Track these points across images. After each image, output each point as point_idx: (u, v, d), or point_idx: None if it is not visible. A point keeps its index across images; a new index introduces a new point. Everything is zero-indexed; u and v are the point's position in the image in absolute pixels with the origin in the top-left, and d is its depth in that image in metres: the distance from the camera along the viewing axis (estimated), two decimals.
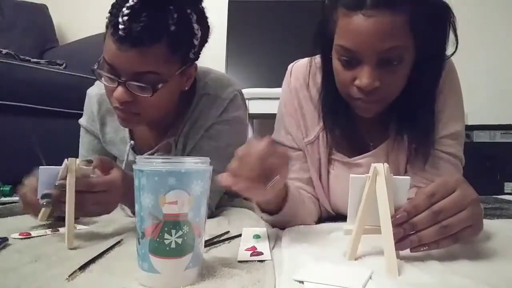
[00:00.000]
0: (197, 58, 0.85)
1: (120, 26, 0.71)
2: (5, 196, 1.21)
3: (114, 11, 0.74)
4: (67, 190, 0.63)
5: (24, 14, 2.20)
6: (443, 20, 0.70)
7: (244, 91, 1.85)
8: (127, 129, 0.98)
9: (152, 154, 0.94)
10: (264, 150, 0.56)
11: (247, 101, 1.85)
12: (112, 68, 0.76)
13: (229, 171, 0.56)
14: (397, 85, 0.72)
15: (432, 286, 0.45)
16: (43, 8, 2.29)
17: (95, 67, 0.78)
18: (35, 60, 1.76)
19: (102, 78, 0.78)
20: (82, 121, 1.04)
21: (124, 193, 0.70)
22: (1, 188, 1.22)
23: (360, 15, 0.65)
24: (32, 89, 1.55)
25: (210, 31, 0.84)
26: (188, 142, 0.93)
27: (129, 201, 0.72)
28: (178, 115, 0.93)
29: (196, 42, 0.80)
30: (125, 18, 0.71)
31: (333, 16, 0.71)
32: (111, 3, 0.76)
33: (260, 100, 1.85)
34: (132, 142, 0.97)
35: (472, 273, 0.49)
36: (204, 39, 0.83)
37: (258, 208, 0.75)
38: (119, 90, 0.76)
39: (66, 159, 0.66)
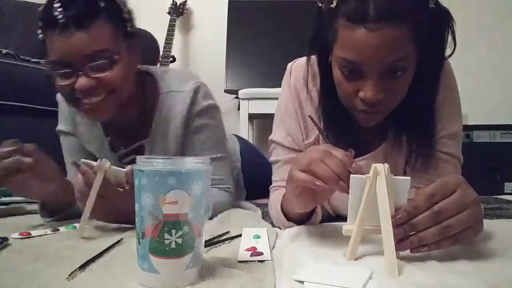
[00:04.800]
0: (134, 33, 0.88)
1: (58, 17, 0.77)
2: (5, 196, 1.21)
3: (46, 11, 0.79)
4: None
5: (24, 14, 2.20)
6: (443, 26, 0.69)
7: (244, 91, 1.89)
8: (100, 127, 0.99)
9: (127, 155, 0.98)
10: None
11: (247, 101, 1.88)
12: (65, 64, 0.79)
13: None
14: (401, 94, 0.71)
15: (432, 286, 0.45)
16: None
17: (48, 73, 0.82)
18: (35, 60, 1.75)
19: (58, 79, 0.81)
20: (59, 127, 1.05)
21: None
22: (1, 188, 1.22)
23: (363, 28, 0.63)
24: (32, 89, 1.55)
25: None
26: (166, 142, 0.95)
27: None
28: (146, 116, 0.95)
29: (127, 16, 0.85)
30: (60, 9, 0.77)
31: (333, 25, 0.68)
32: (39, 8, 0.82)
33: (260, 100, 1.85)
34: (108, 138, 0.99)
35: (472, 273, 0.49)
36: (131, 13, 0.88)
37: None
38: (80, 80, 0.79)
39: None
